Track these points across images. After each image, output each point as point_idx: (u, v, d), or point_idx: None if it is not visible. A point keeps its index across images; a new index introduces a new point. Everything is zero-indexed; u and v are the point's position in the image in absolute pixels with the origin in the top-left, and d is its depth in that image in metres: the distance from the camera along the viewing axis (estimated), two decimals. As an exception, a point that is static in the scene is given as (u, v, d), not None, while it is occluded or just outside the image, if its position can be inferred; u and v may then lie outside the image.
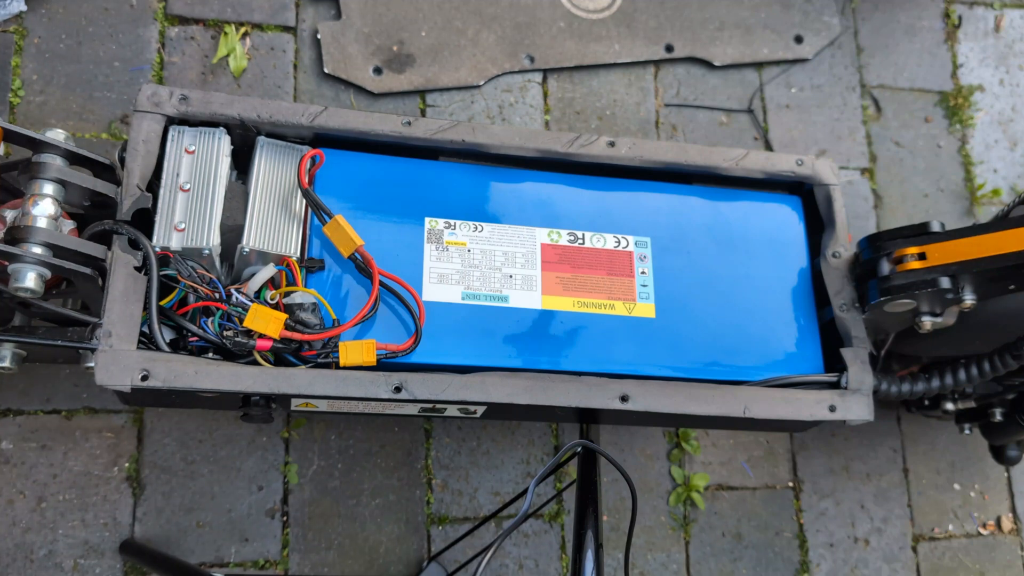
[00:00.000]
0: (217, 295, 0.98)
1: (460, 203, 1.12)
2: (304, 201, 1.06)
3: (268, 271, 1.01)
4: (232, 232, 1.03)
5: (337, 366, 0.99)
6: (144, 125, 1.03)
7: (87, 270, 0.95)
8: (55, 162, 0.97)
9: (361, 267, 1.03)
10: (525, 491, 1.31)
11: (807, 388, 1.12)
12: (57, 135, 1.00)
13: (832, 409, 1.09)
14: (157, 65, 1.42)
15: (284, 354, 0.99)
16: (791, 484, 1.50)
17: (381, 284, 1.03)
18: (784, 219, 1.22)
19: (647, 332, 1.11)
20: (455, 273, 1.08)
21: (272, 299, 1.01)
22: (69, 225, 0.99)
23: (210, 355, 0.98)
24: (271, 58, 1.47)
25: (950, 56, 1.79)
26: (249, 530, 1.29)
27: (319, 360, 0.99)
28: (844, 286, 1.17)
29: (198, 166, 1.03)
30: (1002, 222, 1.08)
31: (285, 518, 1.31)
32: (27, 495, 1.23)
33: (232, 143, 1.07)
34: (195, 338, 0.98)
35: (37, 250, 0.91)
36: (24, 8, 1.13)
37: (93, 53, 1.40)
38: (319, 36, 1.49)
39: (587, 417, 1.12)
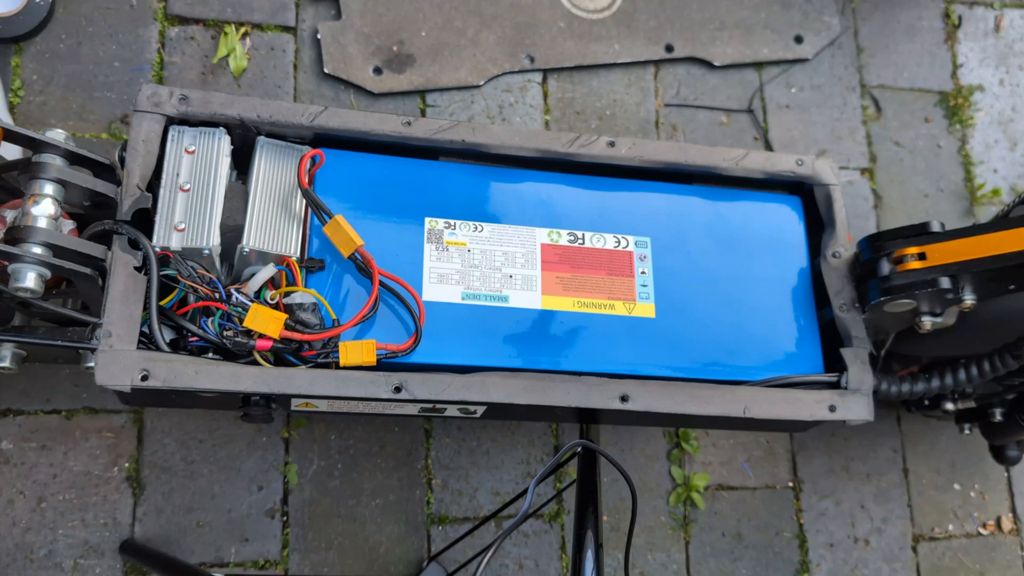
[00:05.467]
0: (217, 295, 0.98)
1: (460, 203, 1.12)
2: (304, 201, 1.06)
3: (268, 271, 1.01)
4: (232, 232, 1.03)
5: (337, 366, 0.99)
6: (144, 125, 1.03)
7: (87, 270, 0.95)
8: (55, 162, 0.97)
9: (361, 267, 1.03)
10: (525, 491, 1.31)
11: (807, 388, 1.12)
12: (57, 135, 1.00)
13: (832, 409, 1.09)
14: (157, 65, 1.42)
15: (284, 354, 0.99)
16: (791, 484, 1.50)
17: (381, 284, 1.03)
18: (784, 219, 1.22)
19: (647, 332, 1.11)
20: (455, 273, 1.08)
21: (272, 299, 1.01)
22: (69, 225, 0.99)
23: (210, 355, 0.98)
24: (271, 58, 1.47)
25: (950, 56, 1.79)
26: (249, 530, 1.29)
27: (319, 360, 0.99)
28: (844, 286, 1.17)
29: (198, 166, 1.03)
30: (1002, 222, 1.08)
31: (285, 518, 1.31)
32: (27, 495, 1.23)
33: (232, 143, 1.07)
34: (195, 338, 0.98)
35: (37, 250, 0.91)
36: None
37: (93, 53, 1.40)
38: (319, 36, 1.49)
39: (587, 417, 1.12)
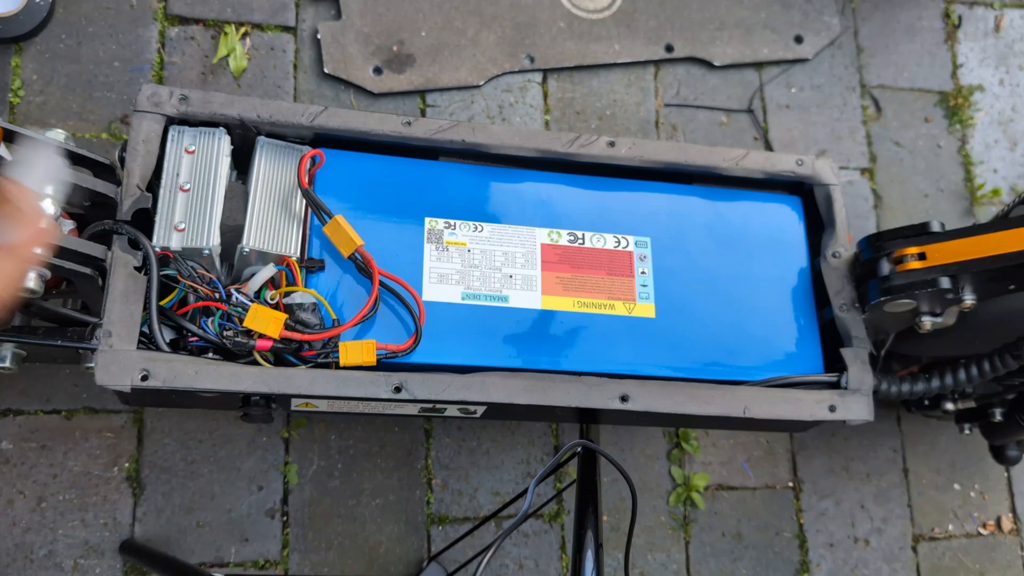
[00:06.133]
0: (217, 295, 0.98)
1: (460, 203, 1.12)
2: (304, 201, 1.06)
3: (268, 271, 1.01)
4: (232, 232, 1.03)
5: (337, 366, 0.99)
6: (144, 125, 1.03)
7: (87, 270, 0.95)
8: (55, 162, 0.97)
9: (361, 267, 1.03)
10: (525, 491, 1.31)
11: (807, 388, 1.12)
12: (57, 135, 1.00)
13: (832, 409, 1.09)
14: (157, 65, 1.42)
15: (284, 354, 0.99)
16: (791, 484, 1.50)
17: (381, 284, 1.03)
18: (784, 219, 1.22)
19: (647, 332, 1.11)
20: (455, 273, 1.08)
21: (272, 299, 1.01)
22: (69, 225, 0.99)
23: (210, 355, 0.98)
24: (271, 58, 1.47)
25: (950, 56, 1.79)
26: (249, 530, 1.29)
27: (319, 360, 0.99)
28: (844, 286, 1.17)
29: (198, 166, 1.03)
30: (1002, 222, 1.08)
31: (285, 518, 1.31)
32: (27, 495, 1.23)
33: (232, 143, 1.07)
34: (195, 338, 0.98)
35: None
36: None
37: (93, 53, 1.40)
38: (319, 36, 1.49)
39: (587, 417, 1.12)
